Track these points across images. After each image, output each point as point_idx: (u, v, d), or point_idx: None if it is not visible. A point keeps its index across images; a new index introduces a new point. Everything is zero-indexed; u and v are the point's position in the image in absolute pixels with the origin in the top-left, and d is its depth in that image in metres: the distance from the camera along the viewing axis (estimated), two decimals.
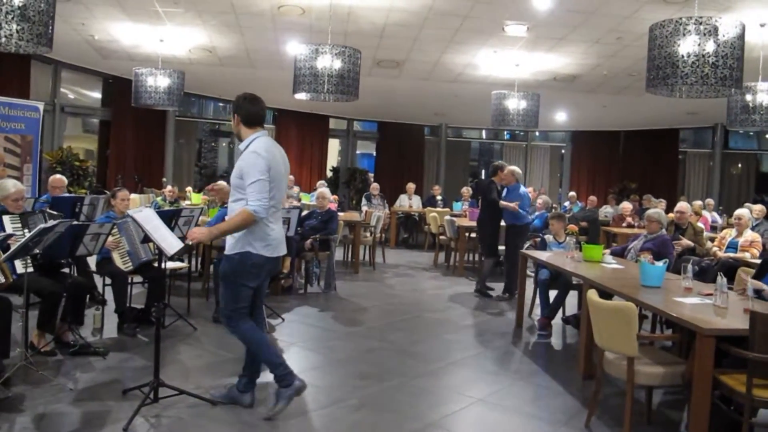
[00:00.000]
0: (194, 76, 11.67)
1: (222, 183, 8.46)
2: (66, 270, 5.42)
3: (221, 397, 4.08)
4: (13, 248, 4.07)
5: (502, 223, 8.44)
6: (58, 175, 7.35)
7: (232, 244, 3.84)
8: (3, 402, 3.75)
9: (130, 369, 4.69)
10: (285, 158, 4.00)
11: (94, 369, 4.64)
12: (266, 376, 4.04)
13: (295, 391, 3.89)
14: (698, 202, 11.99)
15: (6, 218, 4.79)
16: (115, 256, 5.63)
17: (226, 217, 3.92)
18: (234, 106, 3.95)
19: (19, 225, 4.81)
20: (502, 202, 8.10)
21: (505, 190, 8.34)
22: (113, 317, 5.71)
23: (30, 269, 4.64)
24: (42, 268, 4.85)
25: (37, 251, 4.35)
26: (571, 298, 6.63)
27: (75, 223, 4.87)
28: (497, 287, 8.35)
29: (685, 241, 7.24)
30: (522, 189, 8.38)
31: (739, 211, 7.62)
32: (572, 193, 14.58)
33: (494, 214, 8.31)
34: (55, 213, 5.23)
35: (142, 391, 3.98)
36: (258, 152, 3.75)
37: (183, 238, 5.47)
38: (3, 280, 4.20)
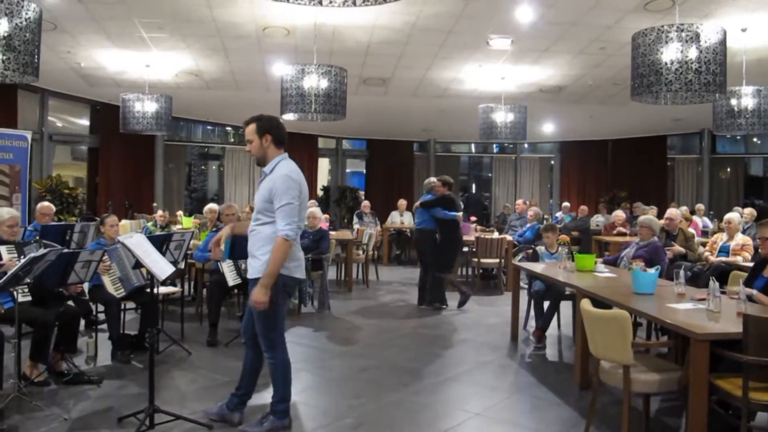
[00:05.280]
0: (181, 100, 11.69)
1: (212, 205, 8.52)
2: (68, 300, 5.37)
3: (212, 414, 4.10)
4: (2, 279, 4.04)
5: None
6: (46, 203, 7.30)
7: (259, 267, 3.77)
8: None
9: (125, 396, 4.65)
10: None
11: (88, 398, 4.59)
12: (260, 398, 3.99)
13: (282, 427, 3.93)
14: (684, 208, 12.07)
15: (2, 248, 4.79)
16: (107, 283, 5.59)
17: (250, 241, 3.89)
18: (263, 127, 3.86)
19: (15, 255, 4.81)
20: None
21: None
22: (107, 344, 5.66)
23: (28, 298, 4.62)
24: (36, 296, 4.82)
25: (28, 280, 4.32)
26: (566, 309, 6.62)
27: (65, 251, 4.84)
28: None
29: (677, 248, 7.26)
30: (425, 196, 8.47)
31: (728, 215, 7.68)
32: (566, 204, 14.62)
33: (441, 230, 8.27)
34: (50, 243, 5.20)
35: (137, 418, 3.94)
36: (290, 176, 3.76)
37: (175, 263, 5.47)
38: None
